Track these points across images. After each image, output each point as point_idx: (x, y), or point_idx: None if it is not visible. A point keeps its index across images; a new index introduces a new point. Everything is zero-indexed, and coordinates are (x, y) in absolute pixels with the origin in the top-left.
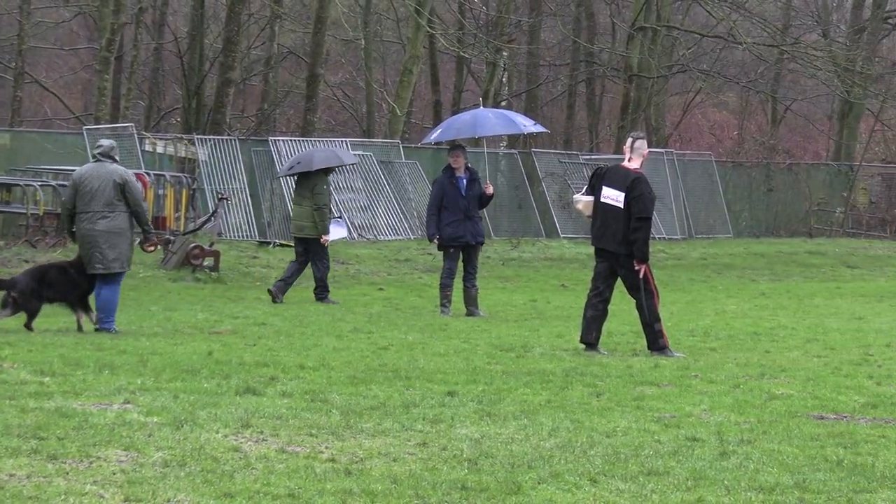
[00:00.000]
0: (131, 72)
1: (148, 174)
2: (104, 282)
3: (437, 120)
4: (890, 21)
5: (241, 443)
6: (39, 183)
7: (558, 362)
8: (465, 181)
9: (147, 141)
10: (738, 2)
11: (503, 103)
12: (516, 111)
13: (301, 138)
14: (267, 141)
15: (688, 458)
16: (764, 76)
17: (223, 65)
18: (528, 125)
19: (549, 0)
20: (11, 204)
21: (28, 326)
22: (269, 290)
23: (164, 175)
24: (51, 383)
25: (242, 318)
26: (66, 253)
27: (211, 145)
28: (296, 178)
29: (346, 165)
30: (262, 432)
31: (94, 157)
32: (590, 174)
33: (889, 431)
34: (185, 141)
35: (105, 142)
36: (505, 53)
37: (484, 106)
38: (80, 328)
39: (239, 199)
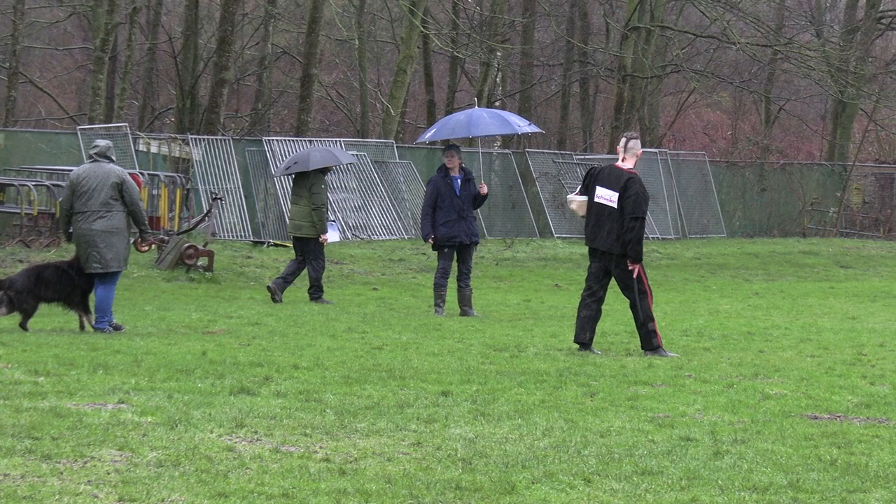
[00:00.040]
0: (125, 72)
1: (142, 174)
2: (100, 281)
3: (431, 120)
4: (883, 21)
5: (236, 442)
6: (34, 183)
7: (552, 362)
8: (459, 181)
9: (141, 141)
10: (731, 2)
11: (497, 103)
12: (510, 111)
13: (295, 138)
14: (261, 141)
15: (682, 457)
16: (757, 76)
17: (217, 65)
18: (522, 125)
19: (542, 0)
20: (5, 204)
21: (23, 326)
22: (268, 287)
23: (158, 175)
24: (45, 383)
25: (237, 317)
26: (60, 253)
27: (205, 145)
28: (293, 177)
29: (341, 165)
30: (256, 432)
31: (90, 157)
32: (584, 174)
33: (882, 431)
34: (179, 141)
35: (101, 142)
36: (499, 53)
37: (478, 106)
38: (82, 327)
39: (233, 199)
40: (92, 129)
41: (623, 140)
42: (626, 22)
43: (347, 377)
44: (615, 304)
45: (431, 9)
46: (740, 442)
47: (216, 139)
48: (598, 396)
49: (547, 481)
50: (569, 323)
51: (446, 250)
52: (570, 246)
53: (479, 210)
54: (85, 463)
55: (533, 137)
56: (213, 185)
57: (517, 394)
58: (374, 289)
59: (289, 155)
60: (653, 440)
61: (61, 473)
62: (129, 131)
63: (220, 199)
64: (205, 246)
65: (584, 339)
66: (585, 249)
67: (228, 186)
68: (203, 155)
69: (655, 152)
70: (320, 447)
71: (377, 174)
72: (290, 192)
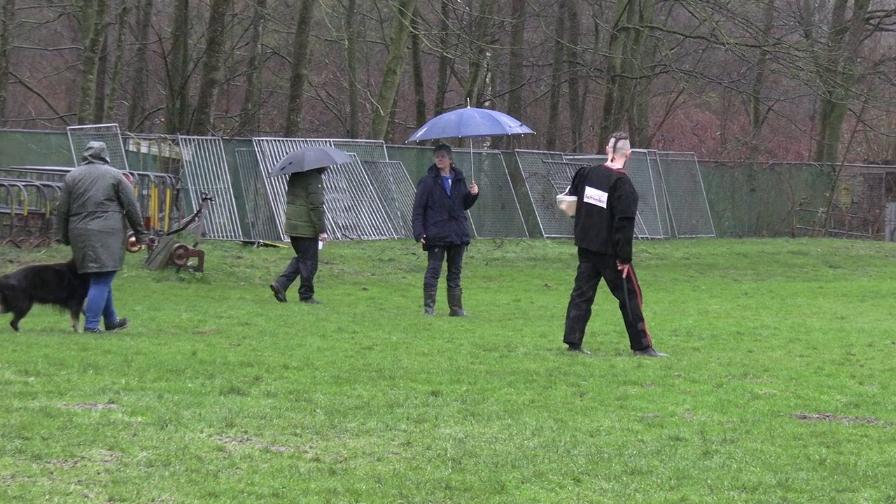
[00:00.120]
0: (115, 72)
1: (132, 174)
2: (94, 281)
3: (421, 120)
4: (872, 21)
5: (226, 442)
6: (24, 183)
7: (542, 362)
8: (450, 181)
9: (131, 141)
10: (720, 2)
11: (486, 104)
12: (500, 112)
13: (285, 138)
14: (251, 141)
15: (671, 457)
16: (746, 76)
17: (207, 65)
18: (513, 126)
19: (532, 1)
20: None
21: (14, 325)
22: (271, 286)
23: (148, 175)
24: (35, 383)
25: (227, 317)
26: (50, 253)
27: (195, 145)
28: (288, 177)
29: (336, 165)
30: (246, 432)
31: (85, 159)
32: (573, 174)
33: (871, 430)
34: (169, 141)
35: (95, 144)
36: (488, 54)
37: (469, 106)
38: (75, 330)
39: (223, 199)
40: (82, 129)
41: (612, 140)
42: (616, 22)
43: (337, 377)
44: (605, 304)
45: (421, 9)
46: (730, 441)
47: (206, 139)
48: (588, 396)
49: (536, 481)
50: (558, 323)
51: (437, 250)
52: (560, 246)
53: (468, 210)
54: (75, 463)
55: (522, 137)
56: (203, 185)
57: (507, 393)
58: (364, 289)
59: (279, 155)
60: (642, 440)
61: (51, 473)
62: (118, 131)
63: (210, 199)
64: (195, 246)
65: (574, 339)
66: (575, 249)
67: (218, 186)
68: (193, 155)
69: (645, 152)
70: (310, 447)
71: (367, 174)
72: (286, 193)
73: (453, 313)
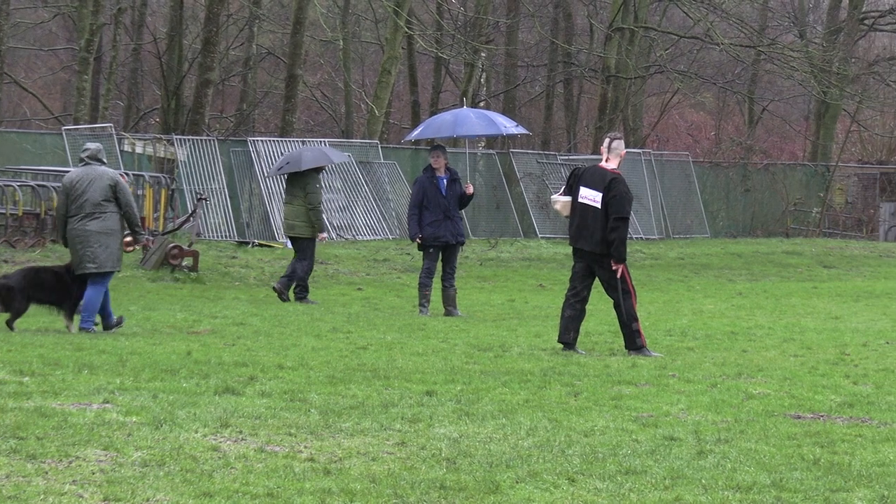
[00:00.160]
0: (110, 72)
1: (127, 174)
2: (91, 281)
3: (416, 121)
4: (866, 22)
5: (220, 442)
6: (18, 183)
7: (536, 362)
8: (445, 181)
9: (126, 141)
10: (715, 3)
11: (481, 104)
12: (495, 112)
13: (280, 139)
14: (246, 141)
15: (665, 457)
16: (741, 77)
17: (202, 65)
18: (509, 126)
19: (526, 1)
20: None
21: (9, 325)
22: (273, 288)
23: (143, 175)
24: (30, 383)
25: (221, 317)
26: (45, 253)
27: (190, 146)
28: (286, 177)
29: (332, 164)
30: (241, 432)
31: (82, 160)
32: (567, 174)
33: (865, 430)
34: (164, 141)
35: (91, 145)
36: (483, 54)
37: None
38: (69, 330)
39: (218, 199)
40: (77, 129)
41: (607, 140)
42: (610, 23)
43: (332, 377)
44: (599, 303)
45: (416, 10)
46: (724, 441)
47: (201, 139)
48: (582, 396)
49: (531, 481)
50: (553, 323)
51: (431, 250)
52: (554, 246)
53: (463, 210)
54: (70, 463)
55: (517, 138)
56: (198, 185)
57: (501, 393)
58: (359, 289)
59: (273, 155)
60: (636, 440)
61: (46, 473)
62: (113, 132)
63: (205, 199)
64: (189, 246)
65: (568, 338)
66: (569, 249)
67: (213, 187)
68: (188, 155)
69: (639, 153)
70: (305, 447)
71: (362, 174)
72: (284, 192)
73: (448, 313)
